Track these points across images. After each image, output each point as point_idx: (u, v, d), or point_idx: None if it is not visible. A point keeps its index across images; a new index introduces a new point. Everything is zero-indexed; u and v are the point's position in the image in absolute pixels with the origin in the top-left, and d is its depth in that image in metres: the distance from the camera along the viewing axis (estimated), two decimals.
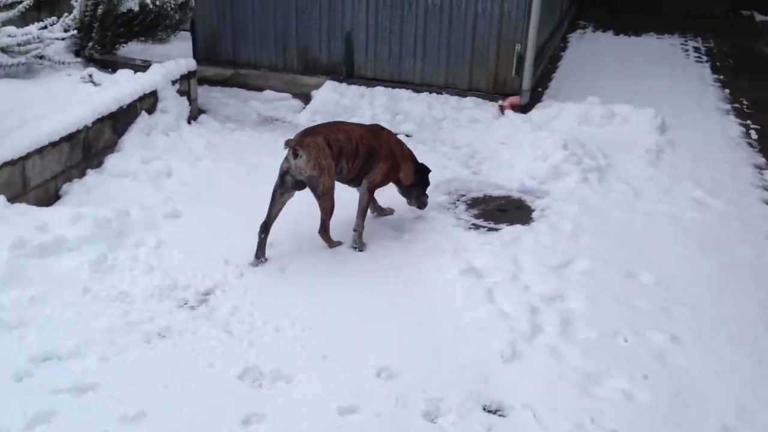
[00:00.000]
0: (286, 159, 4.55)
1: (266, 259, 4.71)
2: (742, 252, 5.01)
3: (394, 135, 5.21)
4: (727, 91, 8.93)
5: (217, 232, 5.03)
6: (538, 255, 4.87)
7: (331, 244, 4.86)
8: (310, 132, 4.61)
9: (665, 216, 5.50)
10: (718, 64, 10.23)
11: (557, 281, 4.53)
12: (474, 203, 5.79)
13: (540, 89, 8.66)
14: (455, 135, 7.10)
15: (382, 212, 5.42)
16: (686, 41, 11.56)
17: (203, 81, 8.15)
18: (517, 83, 7.54)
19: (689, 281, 4.61)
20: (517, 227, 5.32)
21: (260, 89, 8.15)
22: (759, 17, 13.49)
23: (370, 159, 4.81)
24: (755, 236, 5.24)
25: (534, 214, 5.57)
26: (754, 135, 7.45)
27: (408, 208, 5.44)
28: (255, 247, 4.71)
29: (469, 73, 7.68)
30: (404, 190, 5.26)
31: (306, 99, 7.89)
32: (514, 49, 7.42)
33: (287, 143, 4.50)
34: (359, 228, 4.91)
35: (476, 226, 5.38)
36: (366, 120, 7.26)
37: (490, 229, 5.33)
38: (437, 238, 5.14)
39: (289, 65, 8.19)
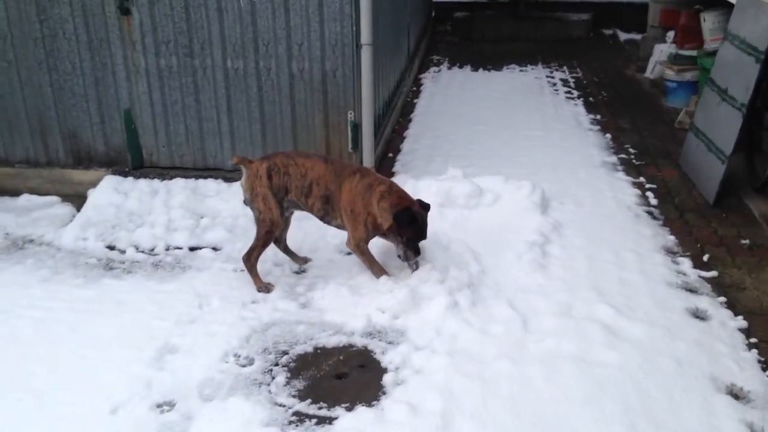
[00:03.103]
0: None
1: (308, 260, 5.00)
2: (687, 420, 3.42)
3: (370, 177, 4.58)
4: (609, 136, 7.58)
5: None
6: None
7: (255, 280, 4.67)
8: (266, 156, 4.69)
9: (569, 360, 3.86)
10: (591, 99, 8.95)
11: None
12: (300, 366, 3.95)
13: (391, 155, 6.99)
14: None
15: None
16: (552, 72, 10.30)
17: None
18: (357, 159, 5.80)
19: None
20: (361, 414, 3.54)
21: (15, 194, 6.04)
22: (622, 36, 12.51)
23: (329, 203, 4.56)
24: (698, 384, 3.69)
25: (385, 380, 3.80)
26: (652, 198, 6.03)
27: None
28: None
29: None
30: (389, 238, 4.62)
31: (81, 202, 5.83)
32: (346, 118, 5.67)
33: (234, 157, 4.64)
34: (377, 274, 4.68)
35: (300, 418, 3.54)
36: (159, 230, 5.31)
37: (321, 421, 3.51)
38: None
39: (54, 158, 6.10)
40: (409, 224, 4.36)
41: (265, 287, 4.64)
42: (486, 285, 4.63)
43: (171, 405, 3.64)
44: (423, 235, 4.45)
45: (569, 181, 6.27)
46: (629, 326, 4.17)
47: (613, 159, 6.93)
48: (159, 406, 3.63)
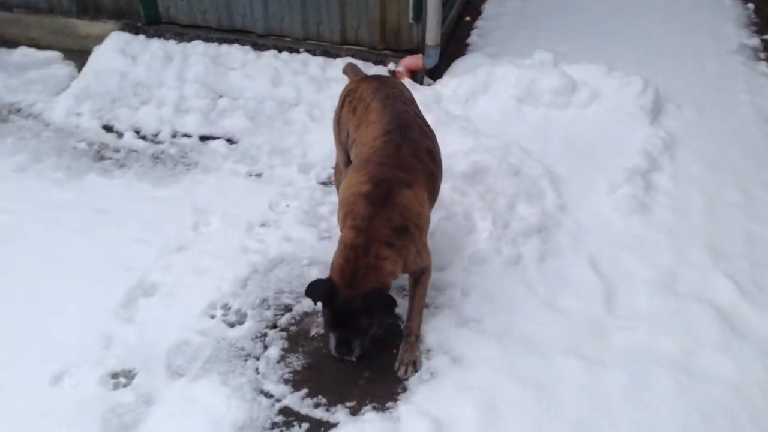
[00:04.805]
0: None
1: None
2: None
3: (360, 205, 2.69)
4: (752, 6, 5.94)
5: None
6: None
7: None
8: (366, 77, 3.32)
9: (664, 367, 2.80)
10: None
11: None
12: (302, 331, 3.03)
13: (468, 18, 5.63)
14: (310, 138, 4.20)
15: None
16: None
17: None
18: (418, 33, 4.53)
19: None
20: (368, 425, 2.62)
21: (13, 44, 5.13)
22: None
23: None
24: None
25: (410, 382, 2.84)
26: None
27: None
28: None
29: (340, 18, 4.65)
30: None
31: (84, 60, 4.86)
32: None
33: (346, 65, 3.56)
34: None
35: (286, 419, 2.67)
36: (167, 110, 4.37)
37: (314, 427, 2.63)
38: None
39: (56, 4, 5.07)
40: (321, 302, 2.65)
41: None
42: (564, 228, 3.51)
43: (129, 377, 2.83)
44: (332, 325, 2.67)
45: (692, 74, 4.85)
46: (755, 317, 3.03)
47: (755, 42, 5.38)
48: (114, 376, 2.83)
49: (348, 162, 3.16)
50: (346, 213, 2.71)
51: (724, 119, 4.37)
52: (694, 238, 3.45)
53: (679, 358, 2.84)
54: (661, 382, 2.74)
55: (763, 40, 5.38)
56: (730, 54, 5.15)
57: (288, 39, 4.78)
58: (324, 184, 3.88)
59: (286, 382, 2.81)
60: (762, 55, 5.18)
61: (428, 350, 2.92)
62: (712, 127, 4.29)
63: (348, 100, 3.14)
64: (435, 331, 2.98)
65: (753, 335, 2.94)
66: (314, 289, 2.64)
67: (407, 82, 4.51)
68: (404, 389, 2.77)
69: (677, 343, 2.89)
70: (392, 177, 2.69)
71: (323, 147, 4.08)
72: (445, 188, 3.50)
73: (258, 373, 2.85)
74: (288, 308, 3.14)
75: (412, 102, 3.13)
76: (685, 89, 4.63)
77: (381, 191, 2.66)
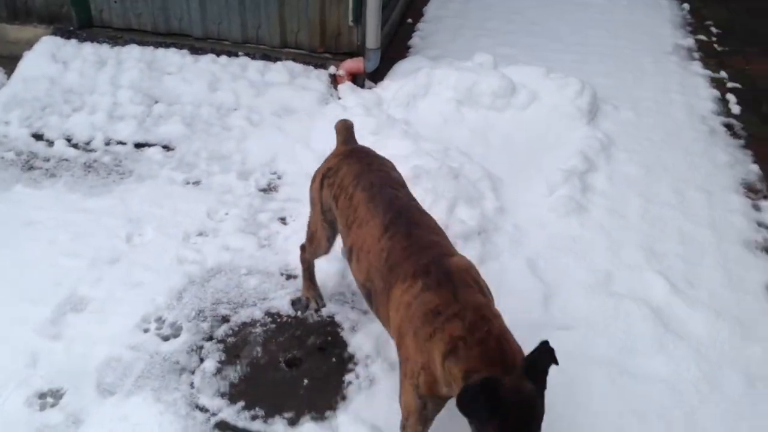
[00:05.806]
0: None
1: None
2: None
3: (441, 292, 2.10)
4: (687, 7, 6.08)
5: None
6: None
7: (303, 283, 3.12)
8: (343, 151, 2.78)
9: (600, 367, 2.83)
10: None
11: None
12: (240, 343, 2.98)
13: (411, 20, 5.62)
14: (249, 144, 4.14)
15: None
16: None
17: None
18: (358, 36, 4.50)
19: None
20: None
21: None
22: None
23: (371, 300, 2.43)
24: None
25: (348, 376, 2.82)
26: (734, 104, 4.70)
27: None
28: None
29: (279, 21, 4.58)
30: None
31: (15, 67, 4.68)
32: None
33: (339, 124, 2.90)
34: None
35: None
36: (99, 117, 4.22)
37: None
38: None
39: None
40: (484, 416, 1.81)
41: (308, 298, 3.14)
42: (503, 231, 3.52)
43: (57, 396, 2.72)
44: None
45: (629, 75, 4.93)
46: (687, 315, 3.09)
47: (690, 42, 5.49)
48: (42, 396, 2.73)
49: (329, 236, 2.82)
50: (429, 311, 2.08)
51: (659, 120, 4.45)
52: (630, 239, 3.49)
53: (615, 357, 2.87)
54: (597, 381, 2.76)
55: (697, 41, 5.49)
56: (666, 54, 5.25)
57: (226, 42, 4.71)
58: (263, 190, 3.82)
59: (222, 395, 2.75)
60: (696, 55, 5.28)
61: (366, 357, 2.89)
62: (647, 127, 4.36)
63: (328, 182, 2.69)
64: (372, 337, 2.96)
65: (687, 334, 2.99)
66: (473, 399, 1.80)
67: (348, 85, 4.48)
68: (343, 398, 2.73)
69: (613, 343, 2.93)
70: (431, 256, 2.23)
71: (262, 153, 4.03)
72: None
73: (193, 387, 2.78)
74: (225, 319, 3.08)
75: (402, 185, 2.66)
76: (622, 89, 4.70)
77: (435, 276, 2.15)
